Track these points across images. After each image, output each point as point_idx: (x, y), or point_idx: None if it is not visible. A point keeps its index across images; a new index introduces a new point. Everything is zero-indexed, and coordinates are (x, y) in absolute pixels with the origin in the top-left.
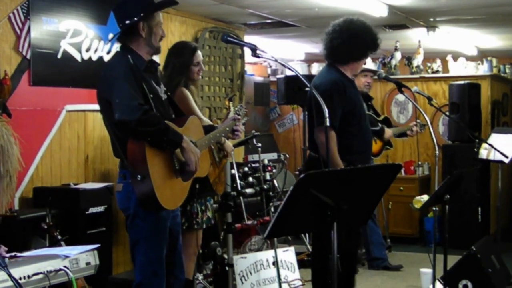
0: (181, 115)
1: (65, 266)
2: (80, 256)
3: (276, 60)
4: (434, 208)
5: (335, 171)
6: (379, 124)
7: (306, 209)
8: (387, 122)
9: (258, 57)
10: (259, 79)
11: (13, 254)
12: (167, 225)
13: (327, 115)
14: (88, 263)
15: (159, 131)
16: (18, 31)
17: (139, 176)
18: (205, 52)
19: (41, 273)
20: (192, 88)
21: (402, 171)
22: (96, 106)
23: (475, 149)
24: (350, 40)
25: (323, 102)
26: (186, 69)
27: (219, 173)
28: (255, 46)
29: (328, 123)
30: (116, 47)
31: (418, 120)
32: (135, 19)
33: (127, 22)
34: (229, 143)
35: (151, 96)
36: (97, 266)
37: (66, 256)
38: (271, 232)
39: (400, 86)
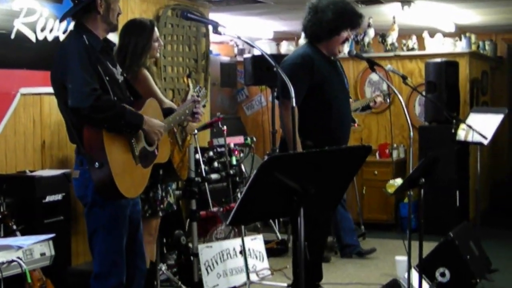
0: (139, 98)
1: (18, 257)
2: (34, 247)
3: (239, 38)
4: (409, 193)
5: (300, 153)
6: None
7: (271, 194)
8: None
9: (220, 34)
10: (225, 59)
11: None
12: (127, 213)
13: (293, 94)
14: (43, 254)
15: (115, 116)
16: None
17: (97, 163)
18: (168, 31)
19: None
20: (152, 68)
21: (377, 154)
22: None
23: (453, 130)
24: (316, 16)
25: (288, 78)
26: (148, 48)
27: (183, 157)
28: (216, 23)
29: (294, 102)
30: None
31: (382, 90)
32: None
33: None
34: (192, 125)
35: (107, 78)
36: (53, 256)
37: (19, 247)
38: (234, 219)
39: (372, 64)
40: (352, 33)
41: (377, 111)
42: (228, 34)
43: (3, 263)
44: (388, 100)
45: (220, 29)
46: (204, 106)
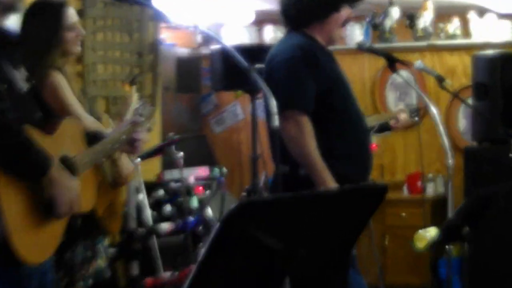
0: (51, 115)
1: None
2: None
3: (195, 28)
4: (447, 248)
5: (283, 198)
6: None
7: (242, 257)
8: None
9: (169, 23)
10: (183, 51)
11: None
12: (34, 284)
13: (274, 109)
14: None
15: (14, 150)
16: None
17: None
18: (97, 12)
19: None
20: (67, 70)
21: (405, 188)
22: None
23: (510, 155)
24: None
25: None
26: (58, 40)
27: (114, 199)
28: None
29: (276, 121)
30: None
31: (409, 104)
32: None
33: None
34: (127, 162)
35: (5, 86)
36: None
37: None
38: None
39: (392, 61)
40: (355, 11)
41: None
42: (183, 23)
43: None
44: (416, 118)
45: (169, 16)
46: (149, 130)
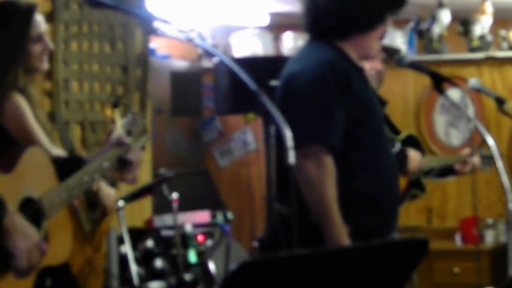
0: (11, 144)
1: None
2: None
3: (190, 40)
4: None
5: (301, 255)
6: (397, 145)
7: None
8: (414, 144)
9: (156, 34)
10: (180, 65)
11: None
12: None
13: (289, 142)
14: None
15: None
16: None
17: None
18: (72, 16)
19: None
20: (30, 91)
21: (458, 237)
22: None
23: None
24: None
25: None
26: (21, 54)
27: (93, 254)
28: (150, 14)
29: (292, 157)
30: None
31: (481, 149)
32: None
33: None
34: (109, 192)
35: None
36: None
37: None
38: None
39: (438, 79)
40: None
41: None
42: (172, 34)
43: None
44: (487, 168)
45: (157, 24)
46: (143, 148)
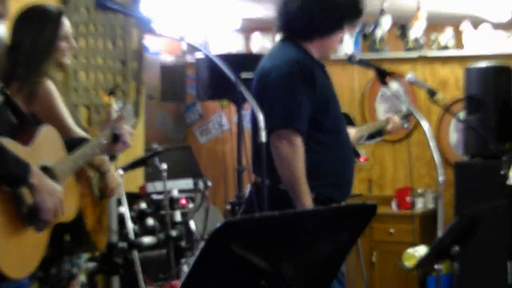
0: (27, 125)
1: None
2: None
3: (181, 39)
4: (436, 267)
5: (271, 216)
6: None
7: (227, 277)
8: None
9: (154, 34)
10: (169, 59)
11: None
12: None
13: (261, 123)
14: None
15: None
16: None
17: None
18: (81, 18)
19: None
20: (57, 80)
21: (393, 204)
22: None
23: (503, 171)
24: (313, 4)
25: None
26: (53, 49)
27: (101, 215)
28: (148, 18)
29: (263, 137)
30: None
31: (398, 112)
32: None
33: None
34: (115, 175)
35: None
36: None
37: None
38: None
39: (382, 74)
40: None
41: (393, 139)
42: (169, 34)
43: None
44: (406, 125)
45: (154, 26)
46: (133, 127)
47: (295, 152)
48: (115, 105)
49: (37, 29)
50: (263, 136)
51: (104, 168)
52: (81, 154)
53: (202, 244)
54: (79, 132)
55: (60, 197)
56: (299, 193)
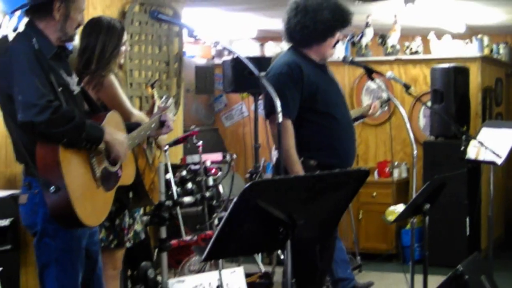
0: (97, 111)
1: None
2: None
3: (217, 44)
4: (412, 220)
5: (287, 179)
6: None
7: (253, 225)
8: None
9: (196, 39)
10: (201, 61)
11: None
12: (83, 245)
13: (279, 109)
14: None
15: (75, 128)
16: None
17: (52, 187)
18: (135, 29)
19: None
20: (120, 74)
21: (375, 173)
22: None
23: (462, 148)
24: (307, 17)
25: (274, 90)
26: (117, 52)
27: (154, 178)
28: (192, 28)
29: (280, 118)
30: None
31: (379, 97)
32: None
33: None
34: (162, 137)
35: (60, 89)
36: None
37: None
38: (211, 254)
39: (370, 72)
40: (343, 33)
41: (375, 123)
42: (207, 39)
43: None
44: (385, 107)
45: (196, 33)
46: (174, 114)
47: (285, 132)
48: (156, 95)
49: (106, 36)
50: (279, 118)
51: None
52: (138, 134)
53: (232, 201)
54: (137, 113)
55: (126, 147)
56: (290, 161)
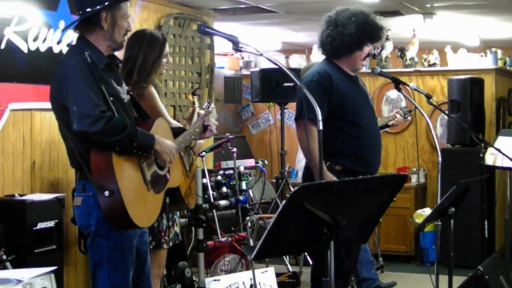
0: (146, 118)
1: None
2: (35, 281)
3: (261, 55)
4: (436, 223)
5: (332, 183)
6: None
7: (299, 226)
8: None
9: (240, 51)
10: (229, 72)
11: None
12: (134, 244)
13: (319, 117)
14: None
15: (128, 137)
16: None
17: (106, 192)
18: (170, 42)
19: None
20: (159, 85)
21: None
22: (44, 105)
23: (481, 154)
24: (335, 31)
25: (303, 96)
26: (159, 64)
27: (190, 183)
28: (237, 38)
29: (321, 126)
30: (68, 36)
31: (402, 107)
32: (97, 7)
33: (88, 9)
34: (199, 144)
35: (111, 99)
36: None
37: (19, 281)
38: (260, 253)
39: (397, 82)
40: (372, 47)
41: (394, 131)
42: (248, 50)
43: None
44: (409, 118)
45: (241, 45)
46: (215, 119)
47: (310, 136)
48: (197, 102)
49: (147, 48)
50: (320, 125)
51: (192, 144)
52: (184, 139)
53: (263, 204)
54: (174, 122)
55: (174, 153)
56: (315, 164)
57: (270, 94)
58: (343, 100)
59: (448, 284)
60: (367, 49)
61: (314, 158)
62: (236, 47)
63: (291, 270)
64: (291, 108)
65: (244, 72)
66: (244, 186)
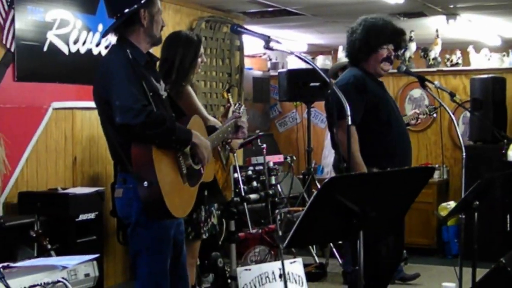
0: (181, 115)
1: (63, 278)
2: (78, 267)
3: (292, 53)
4: (460, 216)
5: (361, 174)
6: None
7: (330, 216)
8: None
9: (271, 49)
10: (258, 73)
11: (5, 264)
12: (171, 234)
13: (348, 112)
14: (87, 275)
15: (167, 131)
16: (2, 21)
17: (145, 182)
18: (202, 43)
19: (38, 285)
20: (196, 84)
21: None
22: (84, 104)
23: (504, 151)
24: (351, 38)
25: (342, 95)
26: (195, 64)
27: (227, 177)
28: (268, 37)
29: (350, 121)
30: (106, 39)
31: (428, 107)
32: (135, 6)
33: (126, 10)
34: (236, 141)
35: (151, 94)
36: (97, 277)
37: (64, 267)
38: (292, 242)
39: (423, 80)
40: (392, 50)
41: (417, 129)
42: (280, 49)
43: (48, 283)
44: (434, 115)
45: (272, 44)
46: (247, 119)
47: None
48: (231, 100)
49: (184, 48)
50: (349, 120)
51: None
52: (217, 136)
53: (291, 198)
54: (212, 118)
55: (210, 149)
56: (356, 163)
57: (297, 94)
58: (377, 102)
59: (471, 276)
60: (385, 51)
61: (354, 157)
62: (268, 45)
63: (318, 261)
64: (318, 107)
65: (272, 73)
66: (273, 181)
